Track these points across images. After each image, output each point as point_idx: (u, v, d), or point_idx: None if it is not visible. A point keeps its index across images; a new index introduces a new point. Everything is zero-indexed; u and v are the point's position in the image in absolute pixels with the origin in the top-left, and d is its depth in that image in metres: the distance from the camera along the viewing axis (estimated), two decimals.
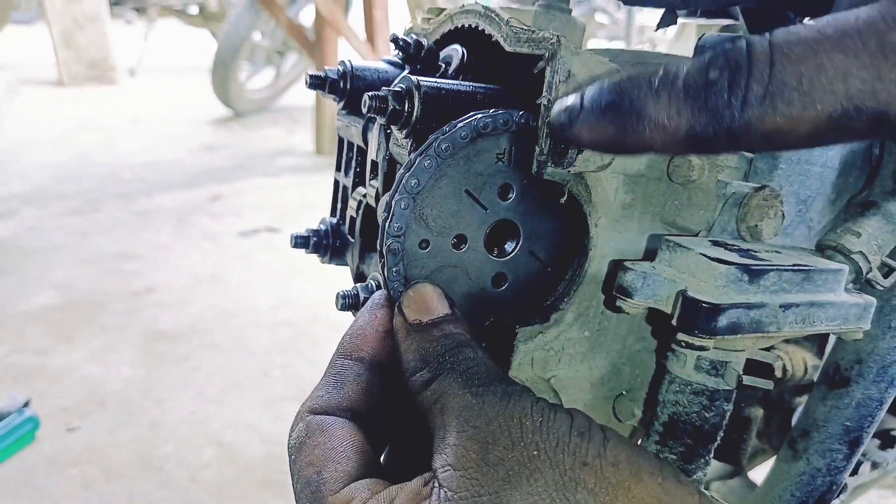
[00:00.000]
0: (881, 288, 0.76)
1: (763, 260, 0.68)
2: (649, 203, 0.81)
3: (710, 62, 0.44)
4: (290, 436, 0.63)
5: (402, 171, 0.69)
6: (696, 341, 0.63)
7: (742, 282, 0.64)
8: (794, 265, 0.68)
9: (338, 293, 0.82)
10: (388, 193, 0.70)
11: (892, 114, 0.38)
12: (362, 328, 0.69)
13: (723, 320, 0.62)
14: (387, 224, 0.68)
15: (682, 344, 0.65)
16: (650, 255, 0.80)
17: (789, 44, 0.42)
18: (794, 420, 0.93)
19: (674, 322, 0.64)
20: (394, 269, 0.70)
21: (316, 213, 4.96)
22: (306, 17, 7.54)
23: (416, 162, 0.68)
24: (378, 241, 0.71)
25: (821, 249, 0.78)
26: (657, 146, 0.46)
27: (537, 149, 0.73)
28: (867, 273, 0.74)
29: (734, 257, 0.67)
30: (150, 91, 9.70)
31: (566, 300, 0.80)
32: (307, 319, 3.44)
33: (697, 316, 0.63)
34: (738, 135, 0.42)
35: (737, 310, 0.63)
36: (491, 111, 0.71)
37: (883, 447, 1.02)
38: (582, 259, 0.79)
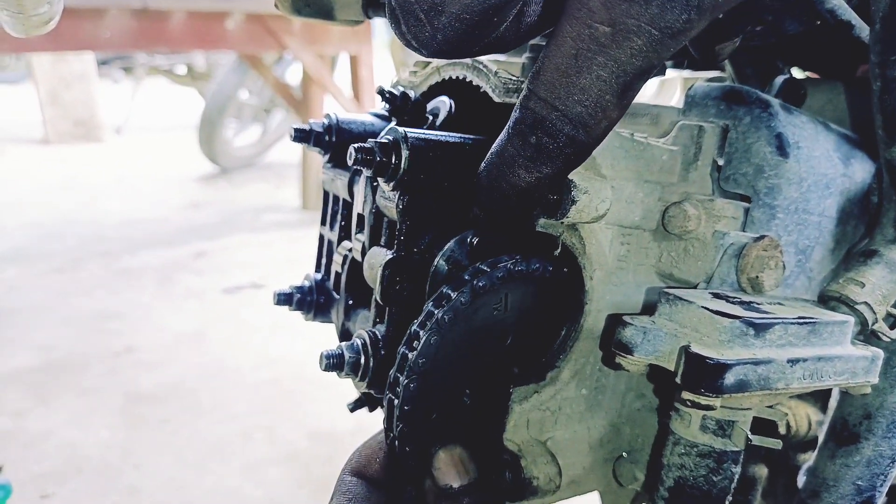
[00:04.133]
0: (888, 339, 0.73)
1: (767, 313, 0.65)
2: (645, 255, 0.79)
3: None
4: None
5: (403, 345, 0.68)
6: (702, 400, 0.60)
7: (747, 336, 0.61)
8: (799, 318, 0.65)
9: (322, 353, 0.78)
10: (393, 369, 0.70)
11: None
12: (370, 450, 0.70)
13: (730, 377, 0.59)
14: (398, 408, 0.68)
15: (687, 403, 0.61)
16: (649, 309, 0.77)
17: None
18: (799, 478, 0.89)
19: (677, 380, 0.61)
20: (406, 448, 0.69)
21: (302, 268, 4.93)
22: (293, 76, 7.64)
23: (422, 339, 0.67)
24: (385, 420, 0.70)
25: (823, 301, 0.76)
26: None
27: None
28: (873, 324, 0.71)
29: (737, 310, 0.64)
30: (137, 149, 9.72)
31: (562, 357, 0.76)
32: (292, 378, 3.36)
33: (703, 373, 0.59)
34: None
35: (744, 366, 0.60)
36: (486, 268, 0.70)
37: None
38: (577, 314, 0.76)
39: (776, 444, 0.67)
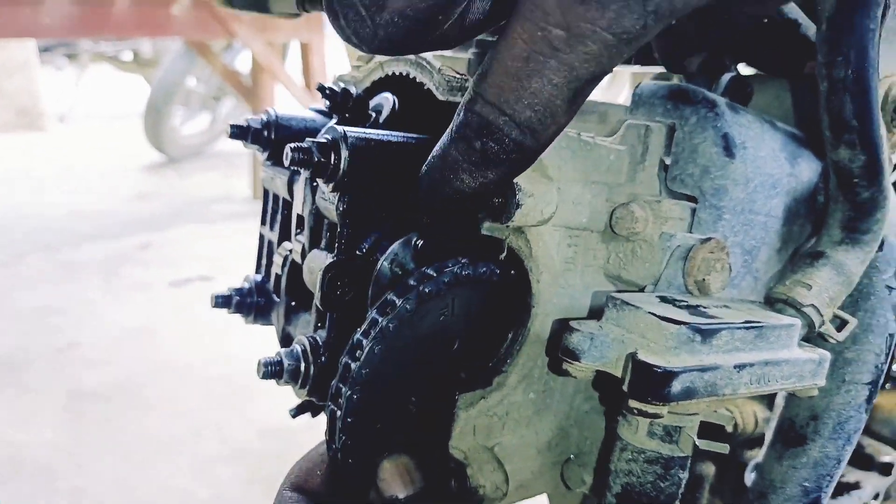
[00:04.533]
0: (833, 341, 0.73)
1: (714, 317, 0.64)
2: (593, 257, 0.77)
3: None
4: None
5: (346, 354, 0.66)
6: (650, 408, 0.58)
7: (694, 342, 0.60)
8: (745, 322, 0.64)
9: (259, 361, 0.75)
10: (335, 380, 0.67)
11: None
12: (310, 463, 0.68)
13: (676, 385, 0.58)
14: (340, 419, 0.65)
15: (634, 411, 0.60)
16: (596, 313, 0.75)
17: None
18: (747, 475, 0.89)
19: (625, 388, 0.60)
20: (349, 460, 0.66)
21: (253, 261, 4.84)
22: (243, 64, 7.47)
23: (366, 348, 0.64)
24: (326, 429, 0.67)
25: (770, 302, 0.75)
26: None
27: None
28: (820, 326, 0.71)
29: (684, 315, 0.63)
30: (81, 138, 9.42)
31: (509, 362, 0.74)
32: (243, 374, 3.29)
33: (649, 381, 0.58)
34: None
35: (690, 373, 0.59)
36: (433, 272, 0.67)
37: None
38: (524, 317, 0.74)
39: (723, 448, 0.67)
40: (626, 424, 0.67)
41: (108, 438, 2.80)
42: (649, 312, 0.62)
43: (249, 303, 0.93)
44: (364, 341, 0.65)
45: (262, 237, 0.98)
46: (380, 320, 0.65)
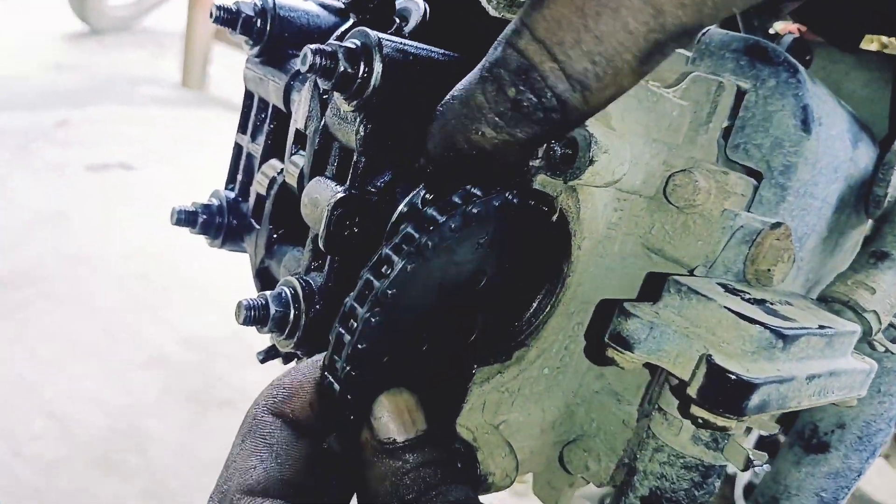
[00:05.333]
0: (882, 350, 0.67)
1: (788, 318, 0.56)
2: (635, 224, 0.68)
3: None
4: None
5: (368, 270, 0.53)
6: (720, 421, 0.50)
7: (775, 349, 0.52)
8: (819, 327, 0.57)
9: (240, 303, 0.63)
10: (350, 298, 0.54)
11: None
12: (298, 384, 0.54)
13: (755, 399, 0.50)
14: (350, 345, 0.53)
15: (699, 421, 0.51)
16: (647, 292, 0.67)
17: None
18: (741, 480, 0.85)
19: (692, 393, 0.51)
20: (348, 395, 0.53)
21: (178, 152, 4.53)
22: None
23: (397, 266, 0.51)
24: (327, 355, 0.55)
25: (825, 301, 0.68)
26: None
27: None
28: (875, 334, 0.65)
29: (760, 314, 0.54)
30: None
31: (533, 336, 0.65)
32: (164, 273, 3.10)
33: (726, 391, 0.50)
34: None
35: (769, 385, 0.51)
36: (480, 192, 0.54)
37: None
38: (556, 287, 0.65)
39: (763, 457, 0.60)
40: (665, 423, 0.59)
41: (12, 330, 2.59)
42: (725, 307, 0.53)
43: (218, 223, 0.80)
44: (395, 258, 0.52)
45: (238, 147, 0.83)
46: (417, 236, 0.52)
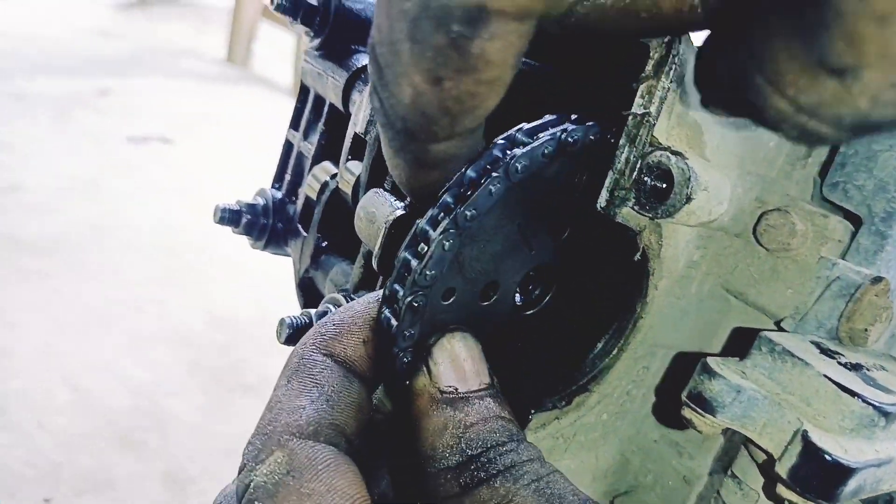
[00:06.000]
0: None
1: (889, 390, 0.50)
2: (716, 263, 0.62)
3: None
4: (254, 467, 0.41)
5: (448, 192, 0.45)
6: None
7: (876, 427, 0.46)
8: None
9: (282, 320, 0.59)
10: (422, 221, 0.47)
11: None
12: (350, 320, 0.48)
13: (852, 484, 0.44)
14: (416, 268, 0.45)
15: (785, 502, 0.46)
16: (733, 347, 0.61)
17: None
18: None
19: (782, 472, 0.45)
20: (406, 331, 0.47)
21: (218, 130, 4.51)
22: None
23: (480, 185, 0.45)
24: (389, 281, 0.47)
25: None
26: None
27: (611, 175, 0.52)
28: None
29: (859, 384, 0.48)
30: None
31: (597, 380, 0.60)
32: (195, 249, 3.08)
33: (821, 475, 0.44)
34: None
35: (868, 470, 0.45)
36: (574, 118, 0.48)
37: None
38: (627, 328, 0.59)
39: None
40: (739, 493, 0.54)
41: (42, 298, 2.59)
42: (824, 376, 0.47)
43: (263, 224, 0.75)
44: (479, 179, 0.46)
45: (289, 144, 0.78)
46: (504, 157, 0.46)
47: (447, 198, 0.45)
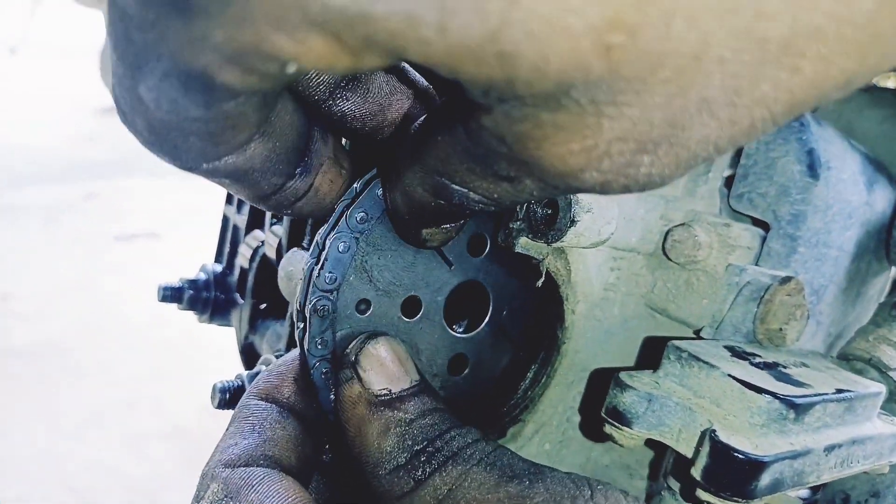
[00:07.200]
0: None
1: (802, 384, 0.51)
2: (635, 283, 0.64)
3: None
4: None
5: (342, 200, 0.48)
6: None
7: (786, 420, 0.47)
8: (837, 391, 0.52)
9: (215, 386, 0.60)
10: (320, 231, 0.49)
11: None
12: (283, 365, 0.51)
13: (765, 479, 0.45)
14: (315, 272, 0.47)
15: None
16: (646, 358, 0.62)
17: None
18: None
19: (696, 474, 0.46)
20: (317, 338, 0.48)
21: (204, 219, 4.58)
22: None
23: (366, 188, 0.47)
24: (298, 297, 0.50)
25: (846, 359, 0.63)
26: None
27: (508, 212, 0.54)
28: None
29: (769, 382, 0.49)
30: (32, 72, 8.90)
31: (528, 410, 0.60)
32: (186, 342, 3.09)
33: (733, 472, 0.45)
34: None
35: (782, 462, 0.46)
36: None
37: None
38: (552, 355, 0.60)
39: None
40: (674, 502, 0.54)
41: (35, 404, 2.58)
42: (729, 375, 0.48)
43: (205, 298, 0.77)
44: (366, 182, 0.49)
45: (226, 220, 0.81)
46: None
47: (341, 205, 0.47)
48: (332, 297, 0.48)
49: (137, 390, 2.69)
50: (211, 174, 0.40)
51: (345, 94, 0.45)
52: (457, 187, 0.38)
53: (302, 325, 0.49)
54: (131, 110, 0.35)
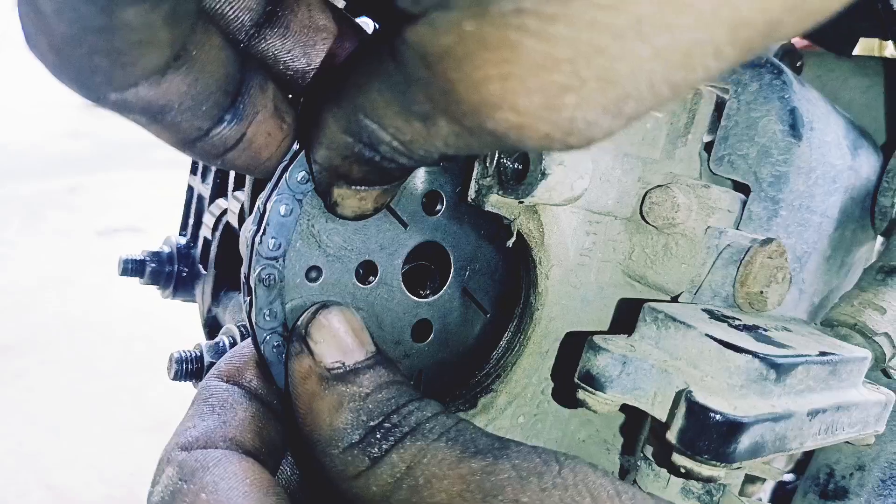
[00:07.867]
0: None
1: (784, 345, 0.49)
2: (612, 249, 0.61)
3: None
4: (152, 491, 0.42)
5: (282, 163, 0.45)
6: (704, 469, 0.43)
7: (767, 381, 0.45)
8: (821, 354, 0.49)
9: (171, 356, 0.57)
10: (261, 195, 0.46)
11: None
12: (249, 350, 0.48)
13: (745, 441, 0.42)
14: (257, 239, 0.44)
15: (681, 470, 0.44)
16: (622, 324, 0.60)
17: None
18: None
19: (671, 438, 0.44)
20: (265, 310, 0.45)
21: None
22: None
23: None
24: (243, 267, 0.47)
25: (830, 325, 0.60)
26: None
27: (477, 166, 0.52)
28: (890, 359, 0.57)
29: (748, 341, 0.47)
30: (15, 67, 8.80)
31: (500, 379, 0.58)
32: (168, 336, 3.04)
33: (710, 434, 0.42)
34: None
35: (762, 424, 0.43)
36: None
37: None
38: (525, 322, 0.58)
39: None
40: (652, 476, 0.52)
41: (13, 397, 2.54)
42: (707, 335, 0.46)
43: (168, 272, 0.74)
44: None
45: (190, 190, 0.78)
46: None
47: (280, 168, 0.44)
48: (277, 265, 0.45)
49: (119, 384, 2.65)
50: (123, 108, 0.37)
51: (265, 34, 0.43)
52: (369, 122, 0.35)
53: (248, 298, 0.46)
54: (34, 28, 0.32)
